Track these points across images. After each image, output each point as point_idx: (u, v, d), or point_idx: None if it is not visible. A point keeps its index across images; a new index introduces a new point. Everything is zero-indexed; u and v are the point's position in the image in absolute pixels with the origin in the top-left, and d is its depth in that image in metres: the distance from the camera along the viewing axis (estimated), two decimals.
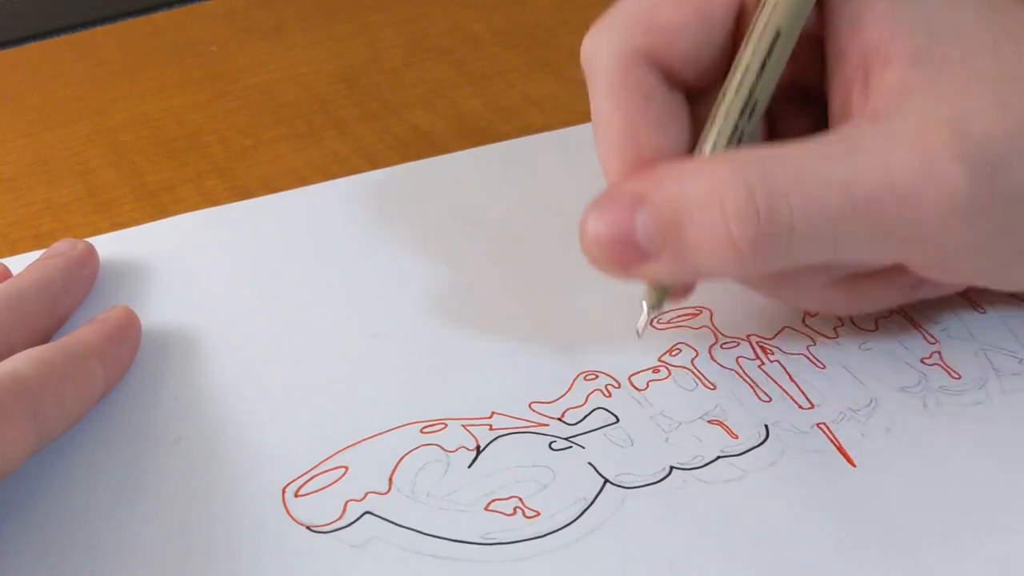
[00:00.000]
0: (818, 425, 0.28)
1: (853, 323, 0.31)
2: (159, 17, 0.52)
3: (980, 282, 0.28)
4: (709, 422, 0.28)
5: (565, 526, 0.26)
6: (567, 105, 0.43)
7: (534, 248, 0.34)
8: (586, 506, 0.26)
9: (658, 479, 0.27)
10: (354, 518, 0.26)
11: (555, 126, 0.41)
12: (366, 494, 0.27)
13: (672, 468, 0.27)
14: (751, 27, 0.26)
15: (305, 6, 0.52)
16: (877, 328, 0.30)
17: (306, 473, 0.27)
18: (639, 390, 0.29)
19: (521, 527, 0.26)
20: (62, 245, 0.34)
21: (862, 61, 0.26)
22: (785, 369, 0.30)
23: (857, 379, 0.29)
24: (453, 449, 0.28)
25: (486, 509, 0.26)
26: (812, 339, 0.30)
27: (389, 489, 0.27)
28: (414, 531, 0.26)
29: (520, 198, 0.37)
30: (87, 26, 0.52)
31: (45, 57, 0.49)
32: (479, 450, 0.28)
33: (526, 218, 0.36)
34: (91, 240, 0.35)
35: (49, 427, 0.26)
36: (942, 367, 0.29)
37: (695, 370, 0.30)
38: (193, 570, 0.25)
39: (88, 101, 0.45)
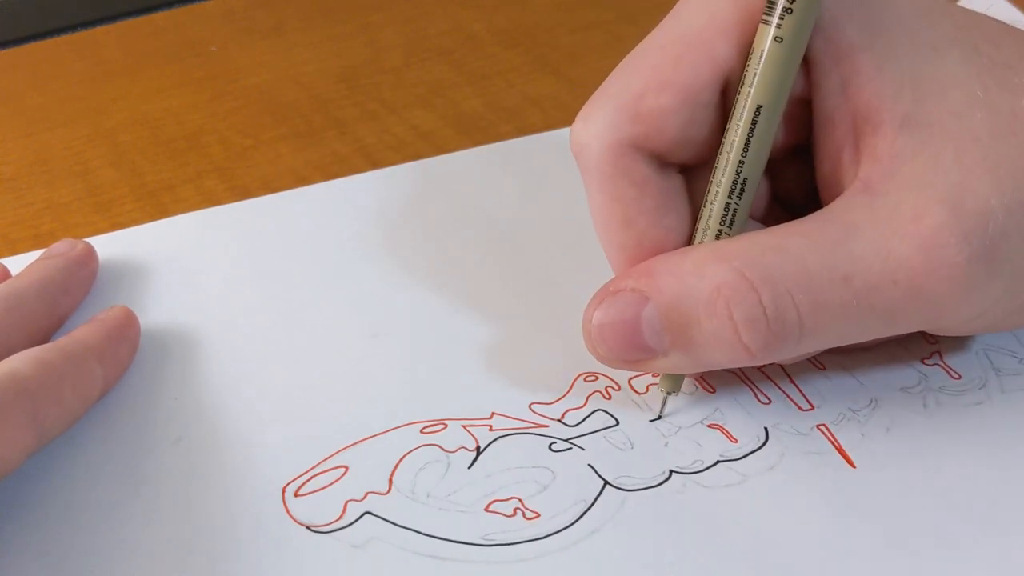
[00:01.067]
0: (818, 427, 0.28)
1: None
2: (159, 17, 0.52)
3: (991, 331, 0.28)
4: (708, 426, 0.28)
5: (565, 527, 0.26)
6: (567, 105, 0.43)
7: (534, 248, 0.34)
8: (586, 508, 0.26)
9: (658, 483, 0.27)
10: (354, 518, 0.26)
11: (555, 126, 0.41)
12: (366, 494, 0.27)
13: (672, 472, 0.27)
14: (734, 105, 0.26)
15: (305, 6, 0.52)
16: None
17: (306, 473, 0.27)
18: (639, 393, 0.29)
19: (521, 528, 0.26)
20: (61, 245, 0.34)
21: (851, 126, 0.26)
22: (785, 371, 0.30)
23: (857, 380, 0.29)
24: (453, 449, 0.28)
25: (486, 510, 0.26)
26: None
27: (389, 489, 0.27)
28: (414, 532, 0.26)
29: (520, 198, 0.37)
30: (87, 26, 0.52)
31: (45, 57, 0.49)
32: (479, 451, 0.28)
33: (526, 218, 0.36)
34: (91, 240, 0.35)
35: (48, 427, 0.27)
36: (942, 367, 0.29)
37: (698, 375, 0.30)
38: (193, 570, 0.25)
39: (88, 101, 0.45)
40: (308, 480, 0.27)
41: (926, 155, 0.24)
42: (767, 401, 0.29)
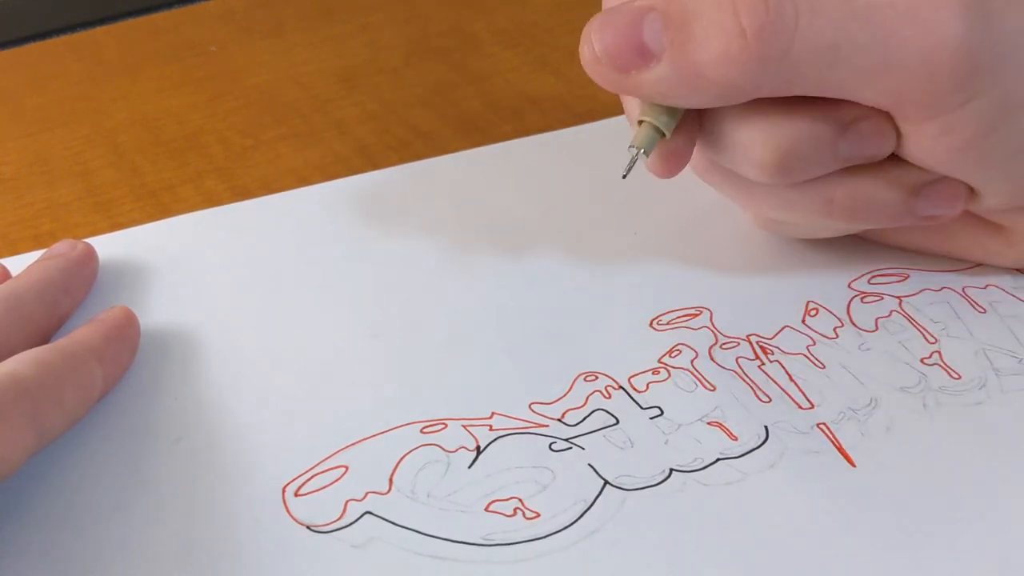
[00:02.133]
0: (818, 425, 0.28)
1: (852, 323, 0.31)
2: (159, 17, 0.52)
3: (976, 177, 0.28)
4: (709, 424, 0.28)
5: (565, 527, 0.26)
6: (567, 105, 0.43)
7: (534, 248, 0.34)
8: (586, 507, 0.26)
9: (658, 481, 0.27)
10: (354, 518, 0.26)
11: (555, 126, 0.41)
12: (366, 494, 0.27)
13: (672, 470, 0.27)
14: None
15: (305, 6, 0.52)
16: (877, 328, 0.31)
17: (306, 472, 0.27)
18: (639, 391, 0.29)
19: (521, 528, 0.26)
20: (62, 246, 0.34)
21: None
22: (785, 369, 0.30)
23: (857, 379, 0.29)
24: (453, 449, 0.28)
25: (486, 510, 0.26)
26: (812, 339, 0.30)
27: (389, 489, 0.27)
28: (414, 531, 0.26)
29: (520, 198, 0.37)
30: (87, 26, 0.52)
31: (45, 57, 0.49)
32: (479, 450, 0.28)
33: (526, 218, 0.36)
34: (92, 240, 0.35)
35: (49, 428, 0.27)
36: (942, 367, 0.29)
37: (695, 371, 0.30)
38: (193, 570, 0.25)
39: (88, 101, 0.45)
40: (308, 480, 0.27)
41: None
42: (767, 399, 0.29)
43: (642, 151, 0.28)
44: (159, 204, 0.39)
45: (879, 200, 0.28)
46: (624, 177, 0.28)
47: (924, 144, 0.27)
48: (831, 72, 0.26)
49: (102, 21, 0.52)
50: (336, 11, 0.51)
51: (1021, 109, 0.26)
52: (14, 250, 0.37)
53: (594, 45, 0.27)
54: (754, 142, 0.27)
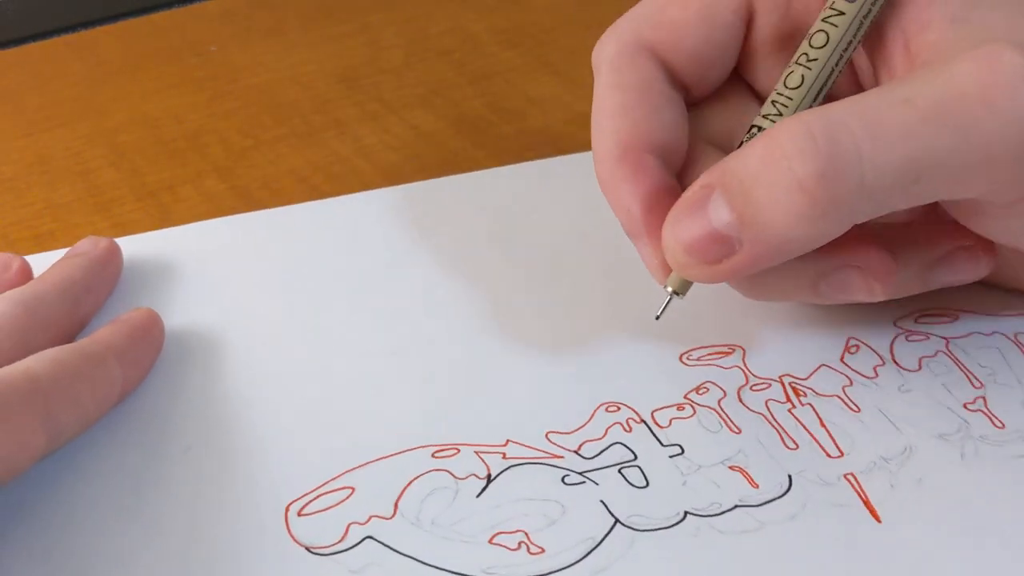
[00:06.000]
0: (845, 476, 0.27)
1: (895, 362, 0.30)
2: (159, 17, 0.52)
3: None
4: (730, 468, 0.27)
5: (570, 565, 0.25)
6: (567, 105, 0.43)
7: (568, 270, 0.33)
8: (593, 546, 0.25)
9: (671, 524, 0.26)
10: (355, 542, 0.26)
11: (555, 126, 0.41)
12: (370, 518, 0.26)
13: (687, 513, 0.26)
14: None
15: (305, 6, 0.52)
16: (920, 368, 0.29)
17: (312, 492, 0.27)
18: (661, 427, 0.28)
19: (524, 563, 0.25)
20: (85, 244, 0.33)
21: (901, 34, 0.26)
22: (816, 413, 0.28)
23: (892, 424, 0.28)
24: (463, 476, 0.27)
25: (490, 542, 0.25)
26: (849, 379, 0.29)
27: (394, 514, 0.26)
28: (414, 560, 0.25)
29: (557, 218, 0.35)
30: (87, 26, 0.52)
31: (45, 57, 0.49)
32: (489, 479, 0.27)
33: (562, 239, 0.35)
34: (123, 240, 0.35)
35: (63, 427, 0.26)
36: (985, 414, 0.28)
37: (721, 411, 0.28)
38: None
39: (88, 101, 0.45)
40: (313, 500, 0.27)
41: (977, 40, 0.24)
42: (794, 446, 0.27)
43: (676, 293, 0.27)
44: (159, 204, 0.39)
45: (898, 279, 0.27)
46: (657, 319, 0.28)
47: (1010, 223, 0.26)
48: (917, 187, 0.23)
49: (102, 21, 0.52)
50: (336, 11, 0.51)
51: None
52: (13, 250, 0.36)
53: (676, 249, 0.25)
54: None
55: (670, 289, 0.27)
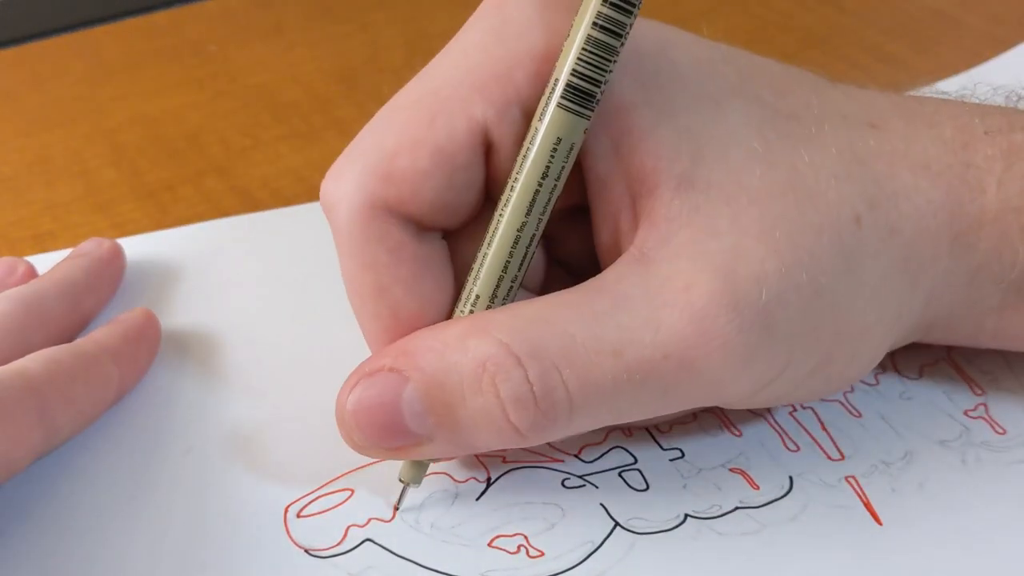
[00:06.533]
0: (847, 478, 0.27)
1: (896, 369, 0.30)
2: (159, 17, 0.52)
3: (787, 402, 0.27)
4: (731, 470, 0.27)
5: (568, 569, 0.25)
6: None
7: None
8: (592, 549, 0.25)
9: (671, 526, 0.26)
10: (354, 544, 0.25)
11: None
12: (369, 520, 0.26)
13: (687, 516, 0.26)
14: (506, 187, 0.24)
15: (305, 6, 0.52)
16: (921, 375, 0.29)
17: (311, 494, 0.27)
18: (661, 432, 0.28)
19: (523, 567, 0.25)
20: (88, 244, 0.33)
21: (627, 188, 0.24)
22: (818, 417, 0.28)
23: (893, 429, 0.28)
24: (463, 480, 0.27)
25: (489, 545, 0.25)
26: (851, 385, 0.29)
27: (393, 516, 0.26)
28: (413, 563, 0.25)
29: None
30: (87, 26, 0.52)
31: (45, 57, 0.49)
32: (489, 482, 0.27)
33: None
34: (124, 241, 0.35)
35: (58, 427, 0.26)
36: (986, 421, 0.28)
37: (722, 414, 0.28)
38: None
39: (88, 101, 0.45)
40: (312, 501, 0.26)
41: (701, 219, 0.23)
42: (795, 448, 0.27)
43: (414, 484, 0.26)
44: (159, 204, 0.39)
45: None
46: (396, 509, 0.26)
47: (763, 400, 0.26)
48: (618, 419, 0.24)
49: (102, 21, 0.52)
50: (336, 11, 0.51)
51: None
52: (13, 250, 0.37)
53: (353, 436, 0.24)
54: None
55: (404, 481, 0.26)
